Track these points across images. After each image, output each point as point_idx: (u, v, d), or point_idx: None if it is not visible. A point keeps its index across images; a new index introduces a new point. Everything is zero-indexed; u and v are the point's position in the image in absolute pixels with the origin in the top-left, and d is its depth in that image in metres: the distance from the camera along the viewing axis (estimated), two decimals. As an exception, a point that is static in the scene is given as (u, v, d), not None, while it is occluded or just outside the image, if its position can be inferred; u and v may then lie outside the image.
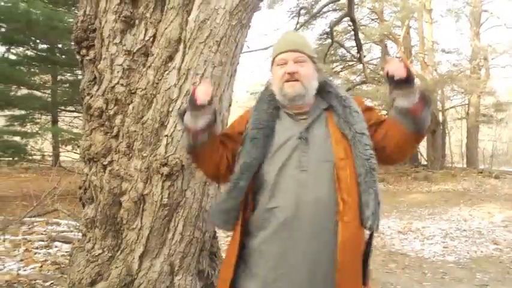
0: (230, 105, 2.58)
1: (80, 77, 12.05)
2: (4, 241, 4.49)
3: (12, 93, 13.24)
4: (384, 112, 18.41)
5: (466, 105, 18.89)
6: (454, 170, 16.30)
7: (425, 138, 18.28)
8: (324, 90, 1.69)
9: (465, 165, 18.21)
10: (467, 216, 8.12)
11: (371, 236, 1.64)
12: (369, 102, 19.22)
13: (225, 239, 5.77)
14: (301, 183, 1.54)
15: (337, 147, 1.57)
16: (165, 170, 2.23)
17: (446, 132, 18.79)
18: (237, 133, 1.72)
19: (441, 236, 6.41)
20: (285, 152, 1.59)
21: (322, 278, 1.53)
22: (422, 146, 19.61)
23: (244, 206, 1.63)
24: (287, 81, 1.61)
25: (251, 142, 1.59)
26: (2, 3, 8.72)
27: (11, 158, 11.16)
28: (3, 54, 16.05)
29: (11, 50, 14.59)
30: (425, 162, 17.89)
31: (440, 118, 17.49)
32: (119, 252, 2.38)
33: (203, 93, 1.57)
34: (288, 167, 1.57)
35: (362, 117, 1.62)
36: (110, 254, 2.40)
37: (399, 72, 1.49)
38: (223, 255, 2.69)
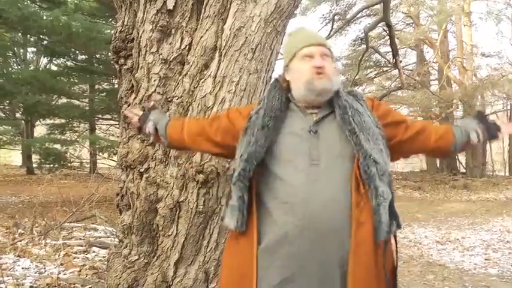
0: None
1: (116, 85, 12.42)
2: (45, 245, 4.63)
3: (53, 102, 13.81)
4: (420, 118, 17.99)
5: (508, 111, 18.19)
6: (495, 178, 15.69)
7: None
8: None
9: (507, 174, 17.50)
10: (511, 227, 7.76)
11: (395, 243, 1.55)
12: (405, 109, 18.86)
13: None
14: (312, 177, 1.46)
15: (348, 144, 1.49)
16: (201, 177, 2.23)
17: (487, 139, 18.09)
18: (238, 113, 1.70)
19: (482, 247, 6.14)
20: (291, 143, 1.51)
21: (331, 283, 1.43)
22: (461, 154, 18.98)
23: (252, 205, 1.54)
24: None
25: (262, 130, 1.51)
26: (45, 18, 9.08)
27: (51, 165, 11.60)
28: (46, 66, 16.77)
29: (53, 62, 15.23)
30: (464, 170, 17.30)
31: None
32: (155, 258, 2.40)
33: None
34: (296, 160, 1.48)
35: (368, 117, 1.56)
36: (146, 260, 2.42)
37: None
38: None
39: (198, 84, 2.31)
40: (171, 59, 2.42)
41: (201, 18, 2.39)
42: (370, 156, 1.45)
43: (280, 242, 1.46)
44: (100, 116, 15.59)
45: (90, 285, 3.42)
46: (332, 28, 7.31)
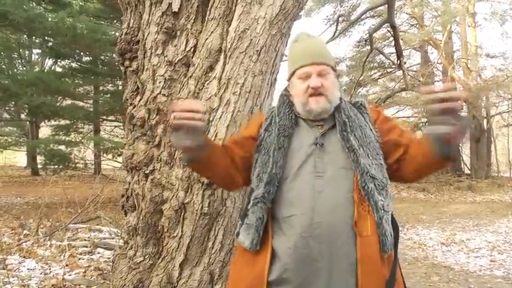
0: (269, 114, 2.57)
1: (120, 87, 12.47)
2: (50, 246, 4.66)
3: (58, 104, 13.87)
4: (424, 120, 17.92)
5: (513, 112, 18.11)
6: (500, 179, 15.61)
7: (469, 146, 17.60)
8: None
9: (512, 175, 17.41)
10: (516, 229, 7.72)
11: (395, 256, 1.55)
12: (409, 110, 18.79)
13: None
14: (317, 189, 1.48)
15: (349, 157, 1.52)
16: (206, 179, 2.24)
17: (492, 140, 18.04)
18: (248, 137, 1.68)
19: (488, 249, 6.12)
20: (299, 157, 1.53)
21: None
22: (466, 155, 18.93)
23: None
24: (311, 95, 1.55)
25: (279, 151, 1.54)
26: (50, 19, 9.12)
27: (56, 166, 11.64)
28: (51, 67, 16.85)
29: (58, 63, 15.29)
30: (469, 171, 17.22)
31: (485, 125, 16.80)
32: (160, 259, 2.40)
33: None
34: (302, 173, 1.51)
35: (369, 130, 1.57)
36: (151, 262, 2.43)
37: (452, 103, 1.31)
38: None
39: (203, 86, 2.32)
40: (176, 61, 2.42)
41: (206, 20, 2.39)
42: (367, 172, 1.48)
43: (290, 255, 1.48)
44: (104, 117, 15.64)
45: (95, 286, 3.44)
46: (336, 29, 7.31)
